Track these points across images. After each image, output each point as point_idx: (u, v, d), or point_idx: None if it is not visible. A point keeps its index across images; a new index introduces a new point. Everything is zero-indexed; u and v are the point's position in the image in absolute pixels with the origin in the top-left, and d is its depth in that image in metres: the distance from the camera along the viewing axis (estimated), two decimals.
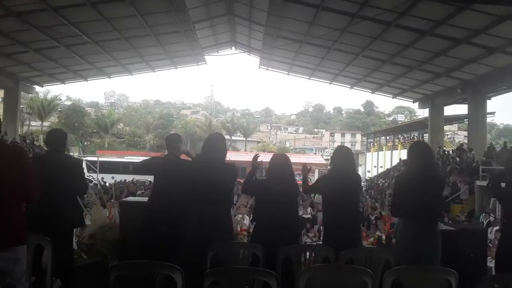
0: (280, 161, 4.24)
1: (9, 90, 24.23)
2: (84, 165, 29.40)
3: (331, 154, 4.51)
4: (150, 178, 22.39)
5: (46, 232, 3.53)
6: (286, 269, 3.30)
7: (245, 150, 60.94)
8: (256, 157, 4.32)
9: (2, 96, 28.41)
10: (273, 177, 4.13)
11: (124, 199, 5.48)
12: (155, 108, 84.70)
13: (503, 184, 4.09)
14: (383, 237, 5.25)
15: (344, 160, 4.23)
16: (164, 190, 4.12)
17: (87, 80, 26.77)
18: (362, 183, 5.44)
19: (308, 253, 3.58)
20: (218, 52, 29.14)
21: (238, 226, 5.06)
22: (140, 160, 4.32)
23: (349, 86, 26.94)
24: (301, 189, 4.39)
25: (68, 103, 66.33)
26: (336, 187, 4.08)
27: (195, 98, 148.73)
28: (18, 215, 3.08)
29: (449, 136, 50.71)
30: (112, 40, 19.89)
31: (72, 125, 55.50)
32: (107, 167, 28.03)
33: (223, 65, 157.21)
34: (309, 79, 27.47)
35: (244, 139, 66.80)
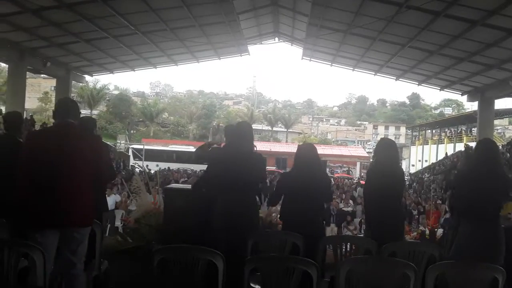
0: (306, 152, 4.15)
1: (61, 79, 25.26)
2: (130, 153, 30.43)
3: (374, 147, 4.42)
4: (194, 166, 22.90)
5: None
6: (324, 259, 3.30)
7: (286, 141, 60.90)
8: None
9: (55, 85, 29.67)
10: (299, 167, 4.08)
11: (168, 186, 5.64)
12: (198, 98, 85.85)
13: None
14: (427, 231, 5.15)
15: (387, 153, 4.14)
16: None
17: (134, 70, 27.53)
18: (405, 177, 5.32)
19: (349, 245, 3.56)
20: (261, 43, 29.18)
21: (278, 215, 5.08)
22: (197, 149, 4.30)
23: (395, 78, 26.27)
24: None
25: (116, 92, 68.37)
26: (378, 180, 4.01)
27: (238, 89, 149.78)
28: (89, 198, 3.30)
29: (499, 130, 48.57)
30: (158, 31, 20.31)
31: (119, 114, 57.26)
32: (152, 155, 28.81)
33: (266, 56, 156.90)
34: (353, 70, 26.99)
35: (286, 130, 66.61)
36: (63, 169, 3.11)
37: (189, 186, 4.93)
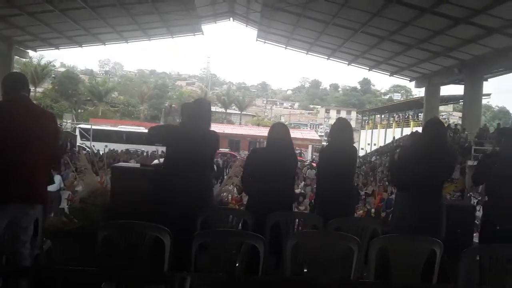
0: (279, 130, 4.17)
1: (2, 54, 23.80)
2: (77, 133, 29.36)
3: (331, 126, 4.46)
4: (144, 147, 22.39)
5: None
6: (274, 235, 3.31)
7: (240, 124, 60.96)
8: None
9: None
10: (271, 145, 4.08)
11: (116, 164, 5.46)
12: (150, 78, 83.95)
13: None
14: (372, 210, 5.31)
15: (341, 132, 4.19)
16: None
17: (81, 46, 26.37)
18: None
19: (297, 221, 3.60)
20: (215, 23, 28.82)
21: (229, 195, 5.09)
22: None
23: (347, 63, 26.77)
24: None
25: (62, 69, 65.53)
26: (332, 160, 4.06)
27: (191, 69, 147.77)
28: (47, 174, 3.30)
29: (444, 116, 50.85)
30: (108, 6, 19.53)
31: (65, 92, 54.98)
32: (100, 135, 27.90)
33: (220, 36, 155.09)
34: (306, 53, 27.24)
35: (240, 112, 66.59)
36: (24, 146, 3.01)
37: (137, 165, 4.80)
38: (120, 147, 25.29)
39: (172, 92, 70.24)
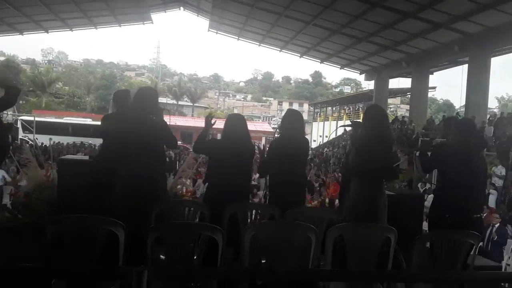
0: (236, 121, 4.14)
1: None
2: (19, 125, 27.89)
3: (282, 117, 4.45)
4: (92, 140, 21.62)
5: None
6: (232, 226, 3.24)
7: (192, 116, 60.28)
8: (210, 116, 4.17)
9: None
10: (228, 136, 4.02)
11: (62, 157, 5.18)
12: (96, 68, 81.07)
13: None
14: (327, 200, 5.34)
15: (292, 123, 4.19)
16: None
17: (22, 34, 24.95)
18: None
19: (254, 212, 3.55)
20: (165, 12, 28.17)
21: (184, 188, 4.95)
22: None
23: (299, 55, 27.03)
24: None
25: (1, 58, 62.00)
26: (283, 150, 4.04)
27: (140, 60, 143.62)
28: None
29: (392, 109, 52.58)
30: None
31: (4, 82, 52.06)
32: (44, 128, 26.58)
33: (170, 26, 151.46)
34: (259, 45, 27.24)
35: (192, 104, 65.78)
36: None
37: (86, 157, 4.57)
38: (65, 139, 24.24)
39: (120, 83, 68.00)
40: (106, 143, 3.93)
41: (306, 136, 4.66)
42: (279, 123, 4.76)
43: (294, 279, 2.07)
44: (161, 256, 2.62)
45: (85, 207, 3.48)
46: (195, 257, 2.58)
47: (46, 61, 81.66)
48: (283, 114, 4.57)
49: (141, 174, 3.45)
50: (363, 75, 28.18)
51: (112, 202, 3.34)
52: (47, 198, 4.29)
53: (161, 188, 3.65)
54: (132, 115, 3.68)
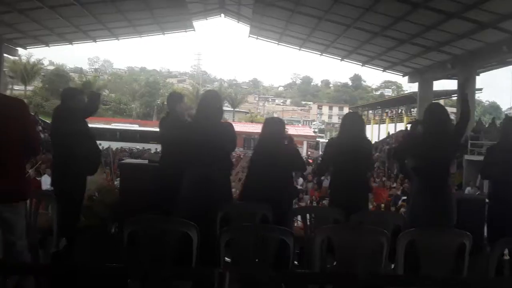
0: (273, 124, 4.16)
1: None
2: None
3: (340, 120, 4.40)
4: (139, 145, 22.33)
5: None
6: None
7: (233, 120, 60.81)
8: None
9: None
10: (266, 139, 4.06)
11: (123, 161, 5.40)
12: (140, 75, 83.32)
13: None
14: (382, 206, 5.30)
15: (350, 126, 4.14)
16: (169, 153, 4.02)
17: (71, 44, 26.07)
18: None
19: (313, 215, 3.54)
20: (206, 19, 28.65)
21: (237, 191, 5.04)
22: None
23: (340, 58, 26.78)
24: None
25: (51, 67, 64.76)
26: (344, 150, 4.00)
27: (182, 67, 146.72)
28: (20, 169, 3.00)
29: None
30: (98, 2, 19.30)
31: (56, 91, 54.21)
32: (95, 134, 27.59)
33: (211, 33, 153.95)
34: (299, 49, 27.20)
35: (232, 109, 66.41)
36: None
37: (145, 161, 4.75)
38: (114, 144, 25.10)
39: (163, 90, 69.72)
40: (169, 148, 4.04)
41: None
42: (321, 127, 4.76)
43: (370, 284, 2.05)
44: (226, 258, 2.70)
45: (146, 210, 3.65)
46: (260, 260, 2.61)
47: (92, 70, 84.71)
48: (323, 118, 4.56)
49: (207, 178, 3.53)
50: (406, 78, 27.56)
51: (178, 205, 3.45)
52: (109, 201, 4.49)
53: (226, 191, 3.73)
54: (198, 119, 3.77)
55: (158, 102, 60.87)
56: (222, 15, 28.01)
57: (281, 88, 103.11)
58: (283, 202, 3.82)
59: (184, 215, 2.79)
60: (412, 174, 3.86)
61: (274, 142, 4.01)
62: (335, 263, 2.86)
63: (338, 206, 3.72)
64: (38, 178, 10.31)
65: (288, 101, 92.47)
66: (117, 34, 25.77)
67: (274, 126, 4.13)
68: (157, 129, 4.51)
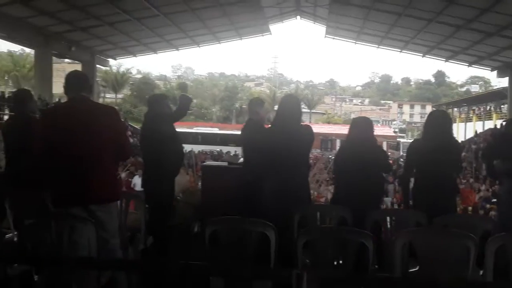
0: (362, 125, 4.07)
1: (86, 63, 25.50)
2: None
3: (425, 119, 4.20)
4: (219, 148, 23.16)
5: None
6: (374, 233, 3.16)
7: (310, 122, 60.57)
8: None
9: (80, 70, 29.90)
10: (354, 139, 3.99)
11: (206, 163, 5.66)
12: (219, 80, 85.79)
13: None
14: (470, 208, 5.05)
15: (436, 127, 3.94)
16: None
17: (156, 53, 27.62)
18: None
19: (393, 218, 3.44)
20: (282, 22, 28.89)
21: (315, 192, 5.08)
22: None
23: (421, 55, 25.69)
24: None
25: (139, 76, 68.86)
26: (428, 150, 3.83)
27: (258, 70, 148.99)
28: (112, 172, 3.27)
29: None
30: (180, 12, 20.28)
31: (143, 98, 57.69)
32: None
33: (287, 35, 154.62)
34: (377, 47, 26.53)
35: (309, 111, 66.18)
36: (82, 146, 3.02)
37: (225, 163, 4.94)
38: (196, 147, 26.17)
39: (241, 94, 71.35)
40: (250, 152, 4.14)
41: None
42: (402, 127, 4.60)
43: None
44: (306, 260, 2.75)
45: (226, 211, 3.81)
46: (339, 262, 2.63)
47: (175, 76, 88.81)
48: (404, 117, 4.40)
49: (286, 180, 3.59)
50: (494, 72, 25.71)
51: (257, 206, 3.56)
52: (193, 202, 4.74)
53: (304, 193, 3.77)
54: (277, 124, 3.85)
55: (237, 105, 62.33)
56: (298, 17, 28.09)
57: (358, 88, 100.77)
58: (373, 205, 3.73)
59: (262, 216, 2.85)
60: (502, 176, 3.66)
61: (363, 142, 3.93)
62: (417, 268, 2.80)
63: (421, 209, 3.56)
64: (130, 180, 11.10)
65: (367, 101, 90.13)
66: (198, 42, 26.89)
67: (363, 126, 4.05)
68: (236, 132, 4.68)
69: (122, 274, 2.99)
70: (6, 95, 21.84)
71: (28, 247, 2.71)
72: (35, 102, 4.67)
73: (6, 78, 44.41)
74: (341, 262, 2.68)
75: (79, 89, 3.18)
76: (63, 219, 2.78)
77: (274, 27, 28.22)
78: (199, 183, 4.92)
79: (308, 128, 3.92)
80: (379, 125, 65.14)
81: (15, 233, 3.54)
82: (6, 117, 18.86)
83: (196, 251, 2.89)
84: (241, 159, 5.09)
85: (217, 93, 65.73)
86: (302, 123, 3.94)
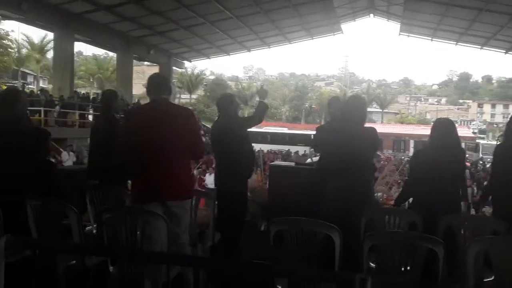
0: (444, 127, 3.87)
1: (163, 66, 26.74)
2: None
3: (508, 120, 3.91)
4: (287, 147, 23.29)
5: None
6: (447, 239, 2.92)
7: (382, 122, 58.88)
8: None
9: (157, 72, 31.42)
10: (436, 143, 3.80)
11: (274, 163, 5.76)
12: (290, 80, 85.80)
13: None
14: None
15: None
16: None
17: (229, 54, 28.32)
18: None
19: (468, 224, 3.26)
20: (354, 20, 28.37)
21: (384, 195, 5.00)
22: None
23: (504, 51, 24.03)
24: None
25: (212, 77, 70.82)
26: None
27: (329, 70, 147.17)
28: (187, 171, 3.45)
29: None
30: (252, 14, 20.65)
31: (216, 98, 59.27)
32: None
33: (359, 34, 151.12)
34: (455, 44, 25.21)
35: (381, 110, 64.34)
36: (162, 145, 3.18)
37: (292, 164, 5.00)
38: (265, 147, 26.47)
39: (311, 93, 70.93)
40: (320, 152, 4.15)
41: None
42: (482, 127, 4.30)
43: None
44: (371, 264, 2.73)
45: (292, 211, 3.86)
46: (407, 268, 2.57)
47: (247, 77, 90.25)
48: (484, 117, 4.09)
49: (350, 182, 3.57)
50: None
51: (323, 208, 3.57)
52: (260, 201, 4.85)
53: (369, 196, 3.74)
54: (341, 124, 3.82)
55: (306, 105, 62.15)
56: (371, 15, 27.45)
57: (435, 87, 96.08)
58: (454, 211, 3.54)
59: (327, 218, 2.84)
60: None
61: (446, 144, 3.75)
62: (492, 278, 2.68)
63: (501, 217, 3.35)
64: (203, 177, 11.49)
65: (443, 100, 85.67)
66: (269, 43, 27.21)
67: (447, 128, 3.86)
68: (305, 132, 4.69)
69: (190, 270, 3.15)
70: (91, 96, 23.52)
71: (105, 240, 2.93)
72: (120, 102, 4.98)
73: (91, 80, 47.67)
74: (408, 268, 2.61)
75: (160, 92, 3.35)
76: (137, 214, 2.96)
77: (346, 25, 27.84)
78: (267, 182, 5.00)
79: (372, 129, 3.82)
80: (457, 125, 61.87)
81: (94, 225, 3.82)
82: (90, 117, 20.43)
83: (262, 249, 2.95)
84: (308, 160, 5.13)
85: (287, 93, 65.90)
86: (365, 125, 3.81)
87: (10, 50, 37.04)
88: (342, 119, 3.89)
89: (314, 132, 4.68)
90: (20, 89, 17.39)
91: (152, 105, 3.34)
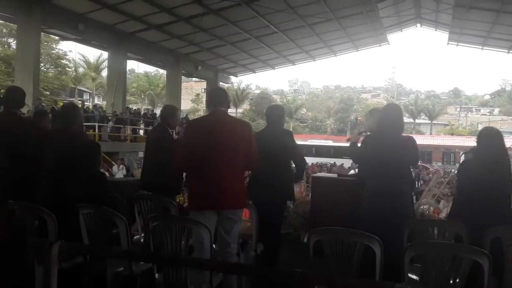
0: (493, 136, 3.76)
1: (210, 81, 27.43)
2: None
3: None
4: (332, 160, 23.12)
5: None
6: (492, 252, 2.76)
7: (431, 133, 57.20)
8: None
9: (205, 87, 32.29)
10: (483, 152, 3.71)
11: (316, 175, 5.79)
12: (335, 93, 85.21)
13: None
14: None
15: None
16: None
17: (274, 68, 28.61)
18: None
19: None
20: (401, 31, 27.94)
21: (431, 208, 4.92)
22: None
23: None
24: None
25: (257, 91, 71.63)
26: None
27: (375, 82, 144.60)
28: (241, 181, 3.60)
29: None
30: (296, 28, 20.84)
31: (261, 112, 59.95)
32: None
33: (405, 44, 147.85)
34: (508, 52, 24.19)
35: (430, 122, 62.51)
36: (220, 156, 3.31)
37: (335, 175, 5.03)
38: (310, 159, 26.41)
39: (357, 105, 70.10)
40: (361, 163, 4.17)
41: None
42: None
43: None
44: (413, 276, 2.71)
45: (334, 222, 3.89)
46: (453, 281, 2.54)
47: (292, 91, 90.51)
48: None
49: (389, 192, 3.55)
50: None
51: (362, 218, 3.58)
52: (302, 212, 4.91)
53: (408, 205, 3.70)
54: (378, 134, 3.84)
55: (352, 117, 61.47)
56: (418, 25, 26.95)
57: (487, 97, 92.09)
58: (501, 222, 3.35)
59: (367, 229, 2.84)
60: None
61: (493, 156, 3.64)
62: None
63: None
64: None
65: (496, 111, 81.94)
66: (314, 56, 27.27)
67: (493, 139, 3.73)
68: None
69: (233, 278, 3.24)
70: (142, 112, 24.45)
71: (151, 247, 3.08)
72: (177, 118, 5.20)
73: (142, 96, 49.51)
74: (451, 281, 2.57)
75: (219, 104, 3.51)
76: (182, 223, 3.09)
77: (392, 36, 27.45)
78: (309, 194, 5.06)
79: (410, 139, 3.79)
80: (511, 136, 59.13)
81: (142, 235, 4.03)
82: (141, 132, 21.20)
83: (302, 260, 3.00)
84: (351, 171, 5.14)
85: (332, 106, 65.49)
86: (403, 134, 3.78)
87: (67, 69, 39.24)
88: (378, 128, 3.88)
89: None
90: (77, 105, 18.36)
91: (212, 116, 3.50)
